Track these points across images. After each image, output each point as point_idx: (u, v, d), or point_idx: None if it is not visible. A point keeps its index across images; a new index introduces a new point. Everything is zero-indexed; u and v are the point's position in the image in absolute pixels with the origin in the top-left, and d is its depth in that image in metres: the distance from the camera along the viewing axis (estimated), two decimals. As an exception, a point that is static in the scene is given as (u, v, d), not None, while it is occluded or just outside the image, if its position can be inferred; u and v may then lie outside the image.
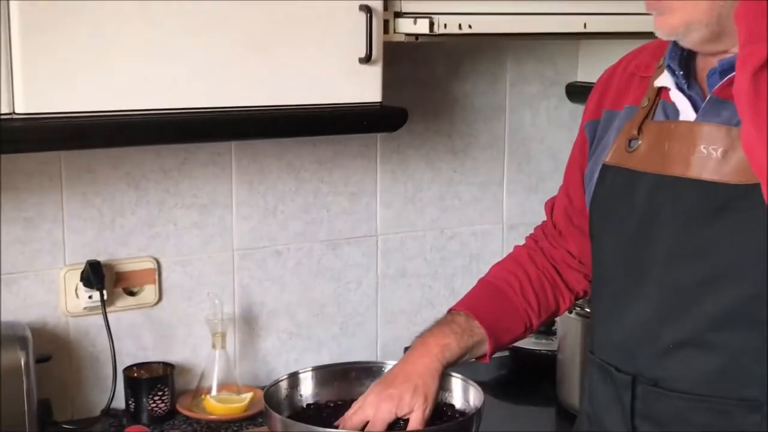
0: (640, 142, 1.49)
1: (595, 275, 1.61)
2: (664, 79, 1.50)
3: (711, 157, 1.39)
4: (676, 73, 1.48)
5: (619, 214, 1.52)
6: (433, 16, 1.82)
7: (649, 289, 1.46)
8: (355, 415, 1.62)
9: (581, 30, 1.98)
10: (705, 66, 1.47)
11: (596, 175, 1.57)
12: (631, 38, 2.12)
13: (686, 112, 1.46)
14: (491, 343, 1.68)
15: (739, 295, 1.37)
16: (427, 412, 1.62)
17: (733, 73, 1.31)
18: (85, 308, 1.98)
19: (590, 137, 1.65)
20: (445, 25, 1.83)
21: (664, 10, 1.40)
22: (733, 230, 1.38)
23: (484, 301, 1.74)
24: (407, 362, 1.66)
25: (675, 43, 1.48)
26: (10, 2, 1.54)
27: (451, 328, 1.67)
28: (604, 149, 1.56)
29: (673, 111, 1.48)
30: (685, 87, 1.47)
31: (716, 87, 1.41)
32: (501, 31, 1.95)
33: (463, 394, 1.74)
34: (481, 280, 1.79)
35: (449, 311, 1.72)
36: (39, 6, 1.55)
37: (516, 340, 1.77)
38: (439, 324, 1.69)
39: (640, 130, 1.50)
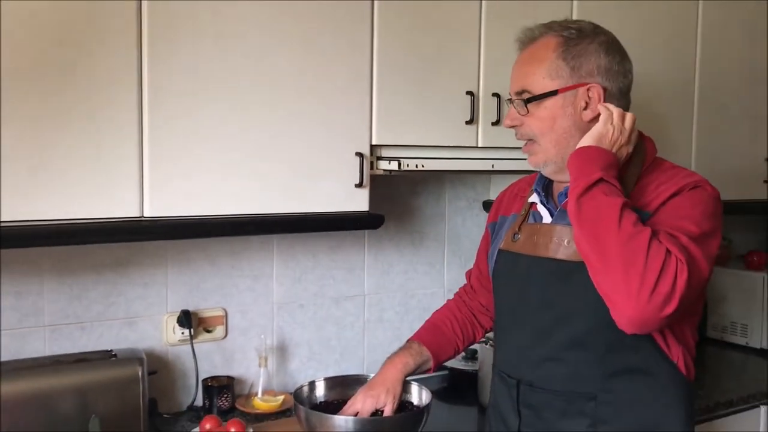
0: (519, 236, 1.50)
1: (496, 318, 1.59)
2: (534, 197, 1.51)
3: (561, 244, 1.40)
4: (540, 194, 1.50)
5: (509, 279, 1.51)
6: (400, 159, 1.85)
7: (525, 325, 1.46)
8: (349, 408, 1.61)
9: (491, 168, 1.99)
10: (557, 189, 1.50)
11: (495, 256, 1.56)
12: (519, 174, 2.20)
13: (546, 217, 1.47)
14: (434, 361, 1.67)
15: (578, 329, 1.38)
16: (395, 405, 1.62)
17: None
18: (179, 340, 1.98)
19: (491, 232, 1.66)
20: (408, 165, 1.85)
21: (532, 153, 1.45)
22: (572, 289, 1.38)
23: (429, 334, 1.72)
24: (381, 374, 1.65)
25: (541, 176, 1.51)
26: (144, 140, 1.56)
27: (409, 351, 1.67)
28: (500, 240, 1.56)
29: (539, 217, 1.49)
30: (545, 202, 1.49)
31: (563, 202, 1.43)
32: (442, 168, 1.95)
33: (418, 395, 1.73)
34: (427, 321, 1.77)
35: (408, 341, 1.71)
36: (165, 147, 1.57)
37: (450, 359, 1.74)
38: (402, 349, 1.69)
39: (520, 228, 1.51)
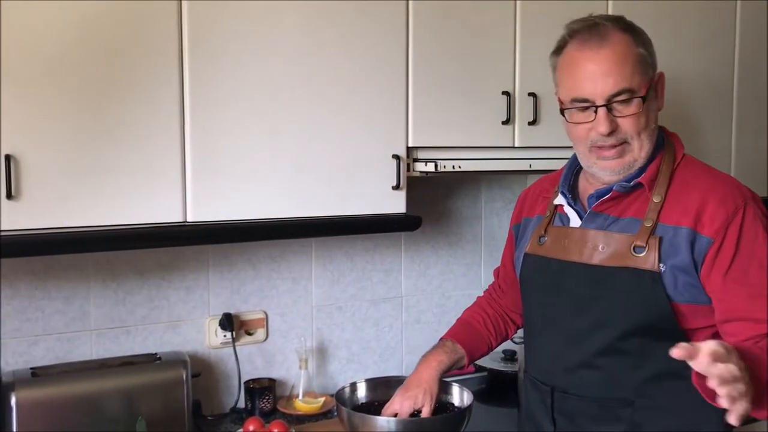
0: (546, 238, 1.47)
1: (525, 322, 1.57)
2: (560, 199, 1.47)
3: (596, 249, 1.37)
4: (567, 195, 1.46)
5: (538, 284, 1.49)
6: (437, 160, 1.84)
7: (557, 330, 1.43)
8: (387, 410, 1.60)
9: (528, 168, 1.98)
10: (585, 191, 1.46)
11: (522, 259, 1.53)
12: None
13: (574, 219, 1.44)
14: (468, 358, 1.66)
15: (612, 334, 1.35)
16: (433, 404, 1.59)
17: (606, 197, 1.38)
18: (221, 343, 1.99)
19: (515, 234, 1.63)
20: (444, 166, 1.84)
21: (623, 154, 1.35)
22: (608, 294, 1.36)
23: (462, 331, 1.70)
24: (417, 373, 1.63)
25: (566, 176, 1.48)
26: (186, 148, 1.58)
27: (443, 349, 1.65)
28: (525, 243, 1.53)
29: (566, 219, 1.46)
30: (572, 204, 1.45)
31: (594, 205, 1.40)
32: (478, 169, 1.93)
33: (459, 396, 1.73)
34: (458, 319, 1.76)
35: (441, 339, 1.70)
36: (206, 159, 1.60)
37: (483, 356, 1.72)
38: (435, 347, 1.67)
39: (546, 231, 1.48)
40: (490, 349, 1.73)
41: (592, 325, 1.38)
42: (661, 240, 1.32)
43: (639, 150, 1.36)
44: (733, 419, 1.03)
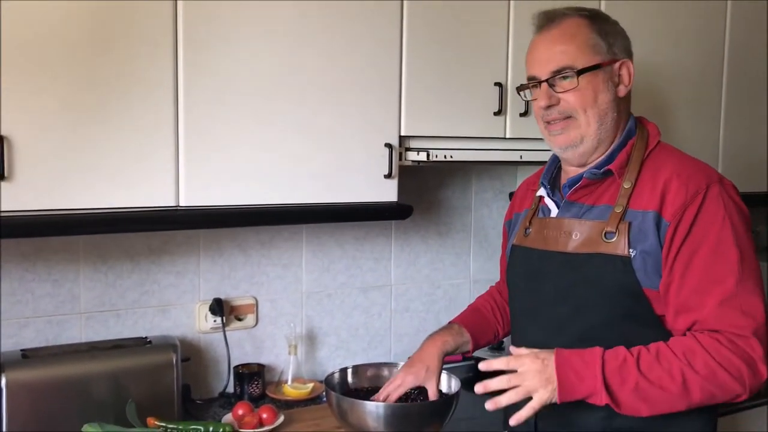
0: (530, 230, 1.51)
1: (510, 311, 1.60)
2: (542, 191, 1.52)
3: (570, 237, 1.40)
4: (546, 186, 1.50)
5: (521, 275, 1.51)
6: (429, 150, 1.85)
7: (539, 320, 1.45)
8: (390, 384, 1.63)
9: (519, 159, 1.99)
10: (562, 182, 1.50)
11: (509, 252, 1.58)
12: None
13: (554, 210, 1.48)
14: (473, 343, 1.67)
15: (592, 322, 1.36)
16: (436, 381, 1.60)
17: (578, 185, 1.42)
18: (211, 328, 2.00)
19: (508, 230, 1.67)
20: (436, 156, 1.86)
21: (567, 129, 1.41)
22: (585, 281, 1.37)
23: (470, 317, 1.72)
24: (421, 350, 1.65)
25: (548, 168, 1.53)
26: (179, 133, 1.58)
27: (449, 331, 1.67)
28: (513, 236, 1.58)
29: (547, 210, 1.49)
30: (551, 195, 1.49)
31: (568, 194, 1.44)
32: (470, 159, 1.94)
33: (447, 383, 1.73)
34: (469, 305, 1.78)
35: (449, 322, 1.71)
36: (198, 147, 1.60)
37: (489, 343, 1.73)
38: (442, 328, 1.69)
39: (530, 222, 1.52)
40: (497, 337, 1.74)
41: (573, 313, 1.39)
42: (630, 225, 1.34)
43: (586, 126, 1.40)
44: (512, 420, 1.29)
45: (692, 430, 1.37)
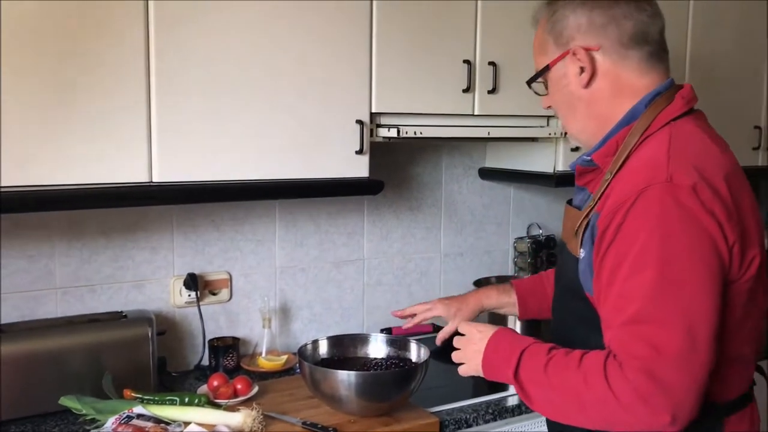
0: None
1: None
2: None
3: (563, 227, 1.35)
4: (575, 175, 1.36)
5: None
6: (399, 126, 1.87)
7: (554, 314, 1.42)
8: (422, 305, 1.70)
9: (487, 135, 2.02)
10: None
11: None
12: (514, 141, 2.22)
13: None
14: (520, 307, 1.65)
15: (560, 319, 1.35)
16: (457, 325, 1.49)
17: (575, 166, 1.31)
18: (185, 302, 2.02)
19: None
20: (406, 132, 1.87)
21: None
22: (559, 276, 1.38)
23: (529, 283, 1.68)
24: (465, 295, 1.69)
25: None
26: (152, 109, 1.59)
27: (498, 289, 1.70)
28: None
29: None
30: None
31: (577, 181, 1.34)
32: (439, 135, 1.96)
33: (416, 352, 1.78)
34: (540, 272, 1.73)
35: (509, 281, 1.71)
36: (172, 126, 1.61)
37: (538, 316, 1.64)
38: (495, 285, 1.72)
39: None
40: (541, 313, 1.64)
41: (554, 309, 1.39)
42: (588, 223, 1.20)
43: (566, 124, 1.33)
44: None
45: None
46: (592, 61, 1.25)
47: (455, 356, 1.35)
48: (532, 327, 2.02)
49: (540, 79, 1.33)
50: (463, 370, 1.34)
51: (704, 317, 1.07)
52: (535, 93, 1.38)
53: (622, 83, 1.25)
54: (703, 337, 1.06)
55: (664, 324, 1.06)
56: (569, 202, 1.38)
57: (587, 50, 1.24)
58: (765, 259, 1.19)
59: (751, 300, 1.17)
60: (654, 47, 1.25)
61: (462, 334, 1.37)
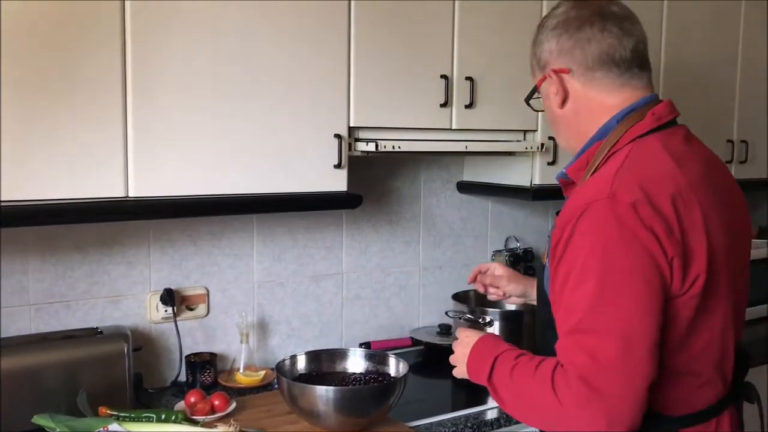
0: None
1: None
2: None
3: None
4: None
5: None
6: (377, 140, 1.88)
7: None
8: (486, 265, 1.76)
9: (464, 150, 2.04)
10: None
11: None
12: (492, 155, 2.24)
13: None
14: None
15: (541, 324, 1.38)
16: (499, 291, 1.74)
17: (559, 179, 1.36)
18: (162, 318, 2.01)
19: None
20: (384, 146, 1.88)
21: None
22: (540, 272, 1.40)
23: None
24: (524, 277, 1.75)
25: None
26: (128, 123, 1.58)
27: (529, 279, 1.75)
28: None
29: None
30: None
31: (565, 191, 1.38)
32: (417, 149, 1.98)
33: (395, 367, 1.79)
34: None
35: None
36: (149, 142, 1.60)
37: None
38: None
39: None
40: None
41: (538, 316, 1.44)
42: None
43: (556, 138, 1.43)
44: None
45: None
46: (563, 82, 1.32)
47: (452, 358, 1.42)
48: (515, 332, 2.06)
49: (537, 95, 1.40)
50: (455, 372, 1.40)
51: (641, 329, 1.10)
52: (533, 109, 1.45)
53: (592, 103, 1.30)
54: (640, 348, 1.09)
55: (600, 333, 1.10)
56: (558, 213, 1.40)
57: (558, 73, 1.31)
58: (724, 278, 1.20)
59: (701, 317, 1.18)
60: (624, 66, 1.28)
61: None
